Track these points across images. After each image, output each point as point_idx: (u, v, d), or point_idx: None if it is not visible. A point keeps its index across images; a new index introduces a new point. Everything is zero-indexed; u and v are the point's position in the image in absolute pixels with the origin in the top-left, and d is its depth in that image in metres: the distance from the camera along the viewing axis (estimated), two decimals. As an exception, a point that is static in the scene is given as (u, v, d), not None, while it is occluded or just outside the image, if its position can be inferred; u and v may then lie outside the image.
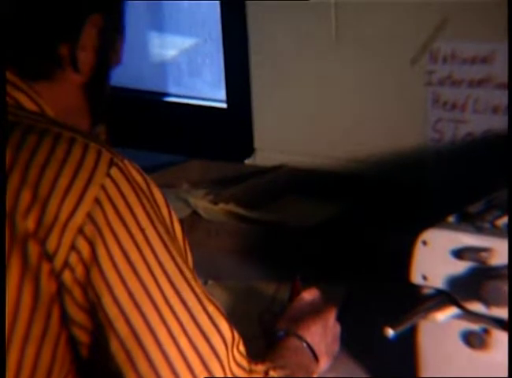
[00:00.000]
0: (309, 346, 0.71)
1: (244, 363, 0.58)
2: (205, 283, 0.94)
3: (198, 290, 0.57)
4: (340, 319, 0.77)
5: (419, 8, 1.08)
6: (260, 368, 0.60)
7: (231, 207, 1.10)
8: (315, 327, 0.73)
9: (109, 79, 0.70)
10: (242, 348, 0.59)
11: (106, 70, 0.68)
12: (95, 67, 0.66)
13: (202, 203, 1.12)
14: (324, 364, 0.73)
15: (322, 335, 0.73)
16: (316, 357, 0.71)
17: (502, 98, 1.04)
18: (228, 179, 1.24)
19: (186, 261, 0.59)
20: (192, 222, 1.10)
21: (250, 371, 0.59)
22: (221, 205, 1.11)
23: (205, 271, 0.98)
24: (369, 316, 0.80)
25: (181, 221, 1.08)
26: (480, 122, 1.06)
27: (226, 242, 1.07)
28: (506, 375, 0.61)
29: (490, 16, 1.02)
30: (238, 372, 0.57)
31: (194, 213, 1.11)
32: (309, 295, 0.78)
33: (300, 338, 0.71)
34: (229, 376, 0.56)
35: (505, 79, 1.02)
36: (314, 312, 0.75)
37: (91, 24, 0.64)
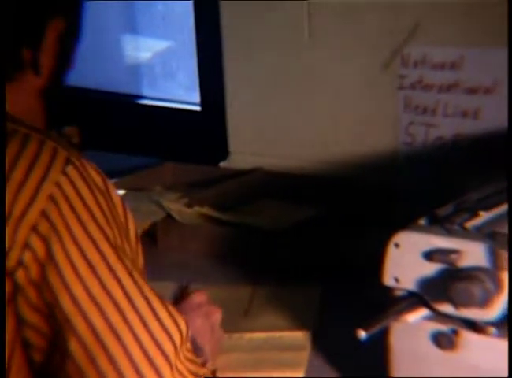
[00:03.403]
0: (198, 346, 0.69)
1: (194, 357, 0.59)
2: (181, 286, 0.94)
3: (151, 289, 0.57)
4: (317, 321, 0.78)
5: (391, 12, 1.10)
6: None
7: (206, 210, 1.10)
8: (203, 329, 0.73)
9: (65, 82, 0.69)
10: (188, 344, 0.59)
11: (64, 74, 0.68)
12: (54, 70, 0.65)
13: (176, 206, 1.11)
14: (209, 365, 0.71)
15: (210, 336, 0.73)
16: (204, 358, 0.70)
17: (470, 102, 1.05)
18: (202, 182, 1.24)
19: (135, 263, 0.58)
20: (166, 225, 1.10)
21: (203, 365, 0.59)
22: (196, 208, 1.10)
23: (180, 274, 0.98)
24: (343, 319, 0.81)
25: (155, 224, 1.09)
26: (449, 126, 1.08)
27: (201, 245, 1.06)
28: (475, 375, 0.63)
29: (460, 22, 1.04)
30: (191, 366, 0.58)
31: (168, 216, 1.11)
32: (198, 297, 0.77)
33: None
34: (184, 371, 0.56)
35: (473, 84, 1.04)
36: (202, 313, 0.74)
37: (53, 28, 0.64)
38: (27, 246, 0.54)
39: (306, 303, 0.89)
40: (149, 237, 1.07)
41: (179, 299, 0.79)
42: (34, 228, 0.54)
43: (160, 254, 1.06)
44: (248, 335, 0.82)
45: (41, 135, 0.57)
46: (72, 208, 0.55)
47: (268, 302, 0.90)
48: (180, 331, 0.57)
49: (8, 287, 0.54)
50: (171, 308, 0.57)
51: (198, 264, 1.04)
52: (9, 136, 0.56)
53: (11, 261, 0.53)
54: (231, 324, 0.81)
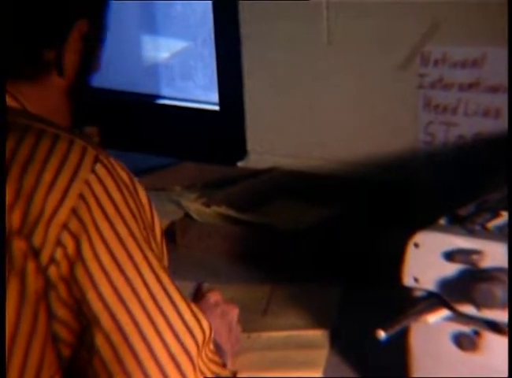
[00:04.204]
0: (217, 346, 0.69)
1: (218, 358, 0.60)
2: (199, 285, 0.94)
3: (176, 289, 0.58)
4: (335, 320, 0.77)
5: (410, 11, 1.09)
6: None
7: (224, 209, 1.10)
8: (222, 328, 0.73)
9: (90, 84, 0.70)
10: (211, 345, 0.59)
11: (88, 75, 0.69)
12: (78, 71, 0.66)
13: (194, 206, 1.12)
14: (229, 364, 0.72)
15: (228, 335, 0.73)
16: (224, 358, 0.70)
17: (492, 101, 1.04)
18: (220, 181, 1.24)
19: (161, 261, 0.59)
20: (185, 225, 1.10)
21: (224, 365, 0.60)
22: (214, 208, 1.11)
23: (198, 273, 0.99)
24: (361, 318, 0.81)
25: (173, 224, 1.10)
26: (470, 125, 1.07)
27: (218, 245, 1.07)
28: (497, 376, 0.62)
29: (480, 20, 1.03)
30: (214, 367, 0.58)
31: (187, 215, 1.11)
32: (214, 297, 0.77)
33: None
34: (207, 373, 0.57)
35: (495, 82, 1.03)
36: (219, 313, 0.75)
37: (77, 29, 0.64)
38: (59, 243, 0.54)
39: (324, 302, 0.89)
40: (167, 236, 1.08)
41: (193, 299, 0.79)
42: (65, 226, 0.54)
43: (178, 253, 1.06)
44: (266, 335, 0.82)
45: (70, 134, 0.58)
46: (100, 206, 0.55)
47: (287, 302, 0.90)
48: (203, 331, 0.57)
49: (41, 283, 0.55)
50: (194, 308, 0.58)
51: (216, 263, 1.04)
52: (38, 136, 0.57)
53: (44, 259, 0.54)
54: (249, 324, 0.81)
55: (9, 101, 0.62)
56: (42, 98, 0.65)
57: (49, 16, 0.63)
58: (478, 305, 0.60)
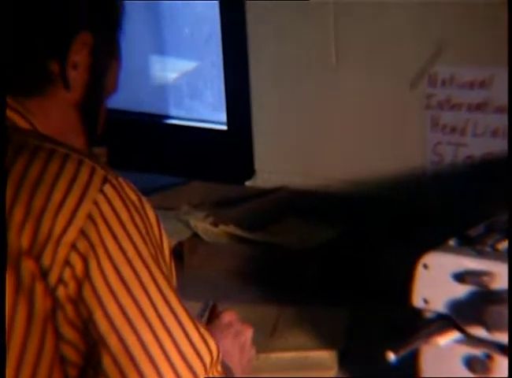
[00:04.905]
0: (226, 367, 0.69)
1: None
2: (206, 305, 0.94)
3: (184, 310, 0.57)
4: (344, 341, 0.76)
5: (418, 32, 1.09)
6: None
7: (232, 229, 1.10)
8: (233, 349, 0.72)
9: (105, 102, 0.70)
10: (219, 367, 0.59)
11: (100, 91, 0.69)
12: (88, 87, 0.66)
13: (202, 225, 1.12)
14: None
15: (240, 356, 0.73)
16: None
17: (500, 121, 1.04)
18: (228, 200, 1.24)
19: (170, 281, 0.59)
20: (192, 244, 1.10)
21: None
22: (222, 227, 1.11)
23: (206, 293, 0.98)
24: (370, 339, 0.80)
25: (181, 243, 1.10)
26: (479, 145, 1.07)
27: (226, 264, 1.06)
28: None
29: (488, 41, 1.03)
30: None
31: (195, 234, 1.11)
32: (228, 317, 0.77)
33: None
34: None
35: (503, 102, 1.03)
36: (232, 333, 0.74)
37: (81, 41, 0.64)
38: (67, 263, 0.55)
39: (332, 322, 0.88)
40: (175, 256, 1.08)
41: (208, 319, 0.79)
42: (73, 246, 0.55)
43: (186, 273, 1.06)
44: (275, 356, 0.82)
45: (79, 154, 0.58)
46: (108, 226, 0.56)
47: (295, 322, 0.89)
48: (211, 353, 0.57)
49: (49, 304, 0.55)
50: (202, 329, 0.58)
51: (223, 283, 1.04)
52: (48, 157, 0.57)
53: (52, 279, 0.55)
54: (257, 345, 0.80)
55: (20, 122, 0.63)
56: (51, 115, 0.65)
57: (49, 26, 0.63)
58: (489, 328, 0.59)
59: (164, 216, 1.13)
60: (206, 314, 0.81)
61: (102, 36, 0.66)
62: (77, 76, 0.65)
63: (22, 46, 0.63)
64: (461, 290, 0.62)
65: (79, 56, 0.64)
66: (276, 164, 1.28)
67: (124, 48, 0.71)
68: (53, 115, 0.65)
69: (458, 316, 0.63)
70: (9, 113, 0.62)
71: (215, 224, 1.12)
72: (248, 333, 0.75)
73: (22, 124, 0.63)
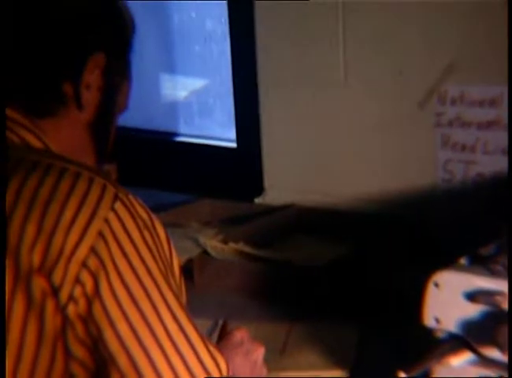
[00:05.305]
0: None
1: None
2: (216, 322, 0.94)
3: (193, 327, 0.57)
4: (354, 359, 0.76)
5: (427, 50, 1.10)
6: None
7: (241, 246, 1.10)
8: (244, 367, 0.72)
9: (116, 121, 0.71)
10: None
11: (112, 111, 0.69)
12: (100, 107, 0.67)
13: (211, 242, 1.12)
14: None
15: (250, 374, 0.72)
16: None
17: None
18: (237, 218, 1.24)
19: (179, 298, 0.59)
20: (202, 261, 1.10)
21: None
22: (231, 245, 1.10)
23: (216, 310, 0.98)
24: (381, 357, 0.79)
25: (191, 261, 1.09)
26: (490, 163, 1.07)
27: (236, 282, 1.06)
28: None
29: (497, 59, 1.03)
30: None
31: (204, 252, 1.11)
32: (239, 335, 0.76)
33: None
34: None
35: (513, 120, 1.03)
36: (243, 351, 0.74)
37: (94, 62, 0.65)
38: (78, 281, 0.55)
39: (343, 341, 0.87)
40: (185, 273, 1.07)
41: (219, 337, 0.78)
42: (84, 264, 0.55)
43: (196, 290, 1.06)
44: (284, 374, 0.81)
45: (90, 172, 0.59)
46: (119, 244, 0.56)
47: (305, 340, 0.89)
48: (220, 371, 0.57)
49: (59, 322, 0.55)
50: (211, 347, 0.58)
51: (233, 300, 1.03)
52: (60, 174, 0.58)
53: (63, 297, 0.55)
54: (267, 363, 0.80)
55: (33, 142, 0.63)
56: (64, 135, 0.65)
57: (64, 49, 0.63)
58: (502, 349, 0.58)
59: (173, 234, 1.13)
60: (217, 332, 0.80)
61: (113, 56, 0.67)
62: (90, 97, 0.65)
63: (37, 68, 0.63)
64: (474, 310, 0.61)
65: (92, 76, 0.65)
66: (286, 182, 1.28)
67: (134, 66, 0.72)
68: (65, 134, 0.65)
69: (470, 336, 0.62)
70: (24, 134, 0.63)
71: (225, 242, 1.12)
72: (259, 351, 0.75)
73: (36, 143, 0.63)
